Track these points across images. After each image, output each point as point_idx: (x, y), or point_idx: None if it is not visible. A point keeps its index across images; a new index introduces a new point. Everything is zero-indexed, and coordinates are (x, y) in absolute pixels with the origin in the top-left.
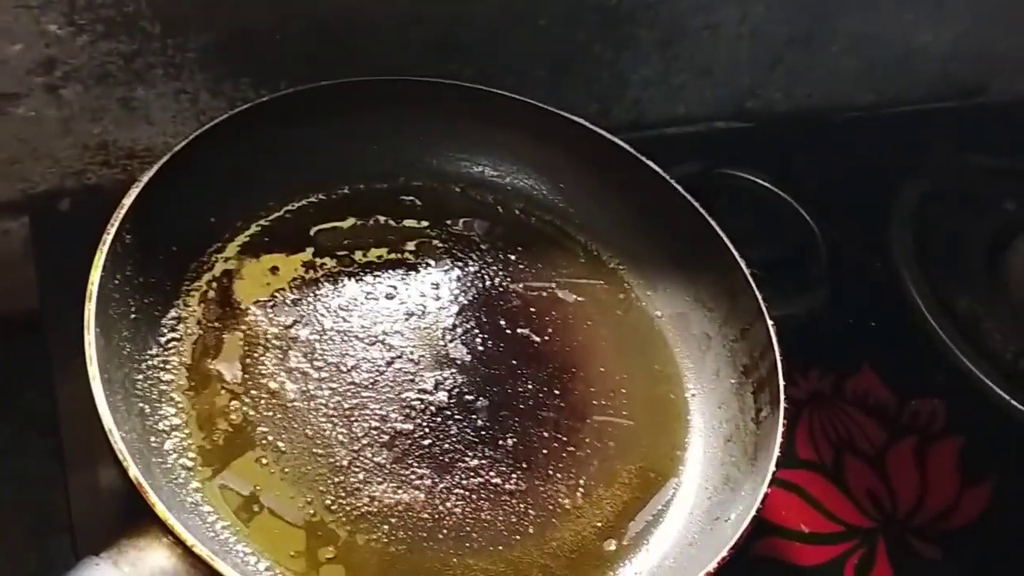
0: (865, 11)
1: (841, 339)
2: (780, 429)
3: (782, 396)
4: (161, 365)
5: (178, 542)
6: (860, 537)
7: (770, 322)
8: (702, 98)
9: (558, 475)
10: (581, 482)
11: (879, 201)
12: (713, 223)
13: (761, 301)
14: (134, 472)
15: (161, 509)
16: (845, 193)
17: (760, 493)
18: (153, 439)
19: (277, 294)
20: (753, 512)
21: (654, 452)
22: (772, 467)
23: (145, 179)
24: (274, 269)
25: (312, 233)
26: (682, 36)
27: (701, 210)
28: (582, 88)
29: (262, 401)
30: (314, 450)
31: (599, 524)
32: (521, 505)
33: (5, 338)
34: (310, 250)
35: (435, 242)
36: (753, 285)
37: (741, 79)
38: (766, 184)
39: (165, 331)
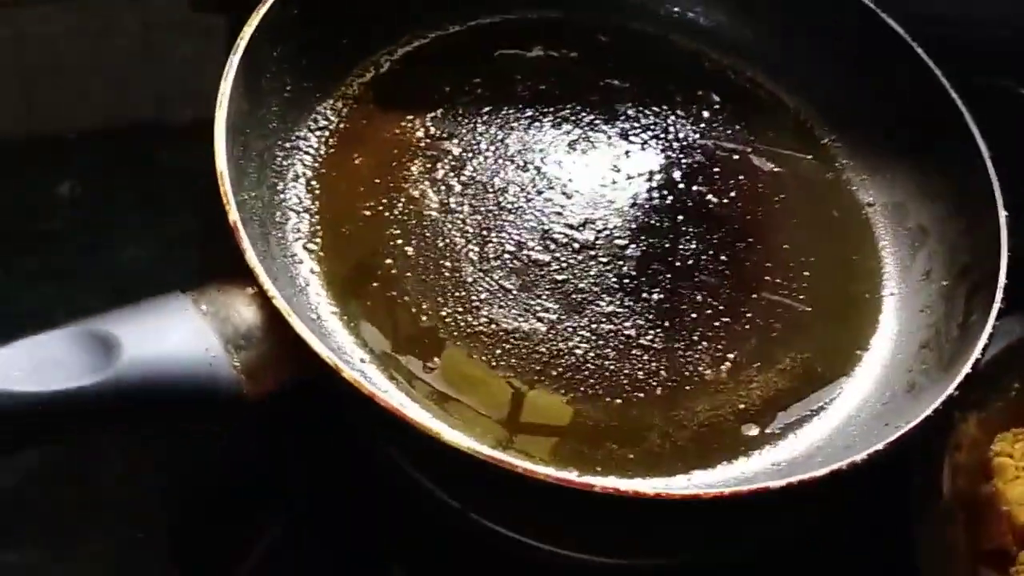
0: None
1: None
2: (987, 333)
3: (999, 296)
4: (305, 148)
5: (260, 292)
6: None
7: (1003, 213)
8: None
9: (703, 343)
10: (731, 356)
11: None
12: (958, 100)
13: (998, 190)
14: (233, 217)
15: (250, 256)
16: None
17: (939, 399)
18: (278, 215)
19: (440, 106)
20: (921, 418)
21: (828, 346)
22: (963, 375)
23: None
24: (443, 81)
25: (495, 55)
26: None
27: (947, 85)
28: None
29: (399, 204)
30: (441, 262)
31: (742, 406)
32: (653, 364)
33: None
34: (486, 69)
35: (624, 84)
36: (992, 173)
37: None
38: None
39: (319, 119)
